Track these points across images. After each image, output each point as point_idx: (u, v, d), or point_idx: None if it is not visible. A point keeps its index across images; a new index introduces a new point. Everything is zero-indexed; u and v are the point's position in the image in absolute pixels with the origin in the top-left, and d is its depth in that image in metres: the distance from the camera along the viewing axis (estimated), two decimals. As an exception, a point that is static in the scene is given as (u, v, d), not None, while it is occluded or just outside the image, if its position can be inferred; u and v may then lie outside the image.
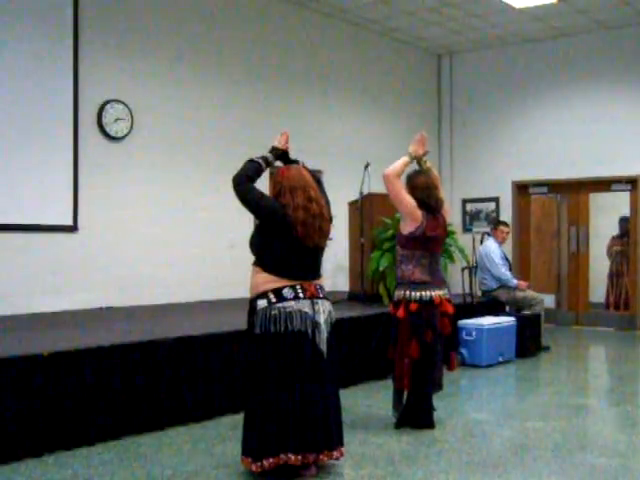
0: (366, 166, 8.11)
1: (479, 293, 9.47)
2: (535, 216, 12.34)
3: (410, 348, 5.17)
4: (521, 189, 12.06)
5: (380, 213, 8.15)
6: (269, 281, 4.19)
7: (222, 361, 5.73)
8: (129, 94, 8.13)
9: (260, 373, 4.18)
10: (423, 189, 5.29)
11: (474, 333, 7.93)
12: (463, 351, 7.99)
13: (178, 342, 5.53)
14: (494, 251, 9.34)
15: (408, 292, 5.23)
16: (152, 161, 8.37)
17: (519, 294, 9.27)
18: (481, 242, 9.63)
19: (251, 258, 4.33)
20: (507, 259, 9.63)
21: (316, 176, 4.59)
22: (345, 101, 10.86)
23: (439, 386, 5.47)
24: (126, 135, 8.09)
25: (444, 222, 5.40)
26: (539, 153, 11.67)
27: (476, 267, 9.21)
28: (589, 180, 11.38)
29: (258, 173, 4.34)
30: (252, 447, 4.15)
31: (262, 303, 4.16)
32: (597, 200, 11.93)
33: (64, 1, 7.56)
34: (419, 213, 5.20)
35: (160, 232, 8.35)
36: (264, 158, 4.43)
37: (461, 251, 8.46)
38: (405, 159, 5.25)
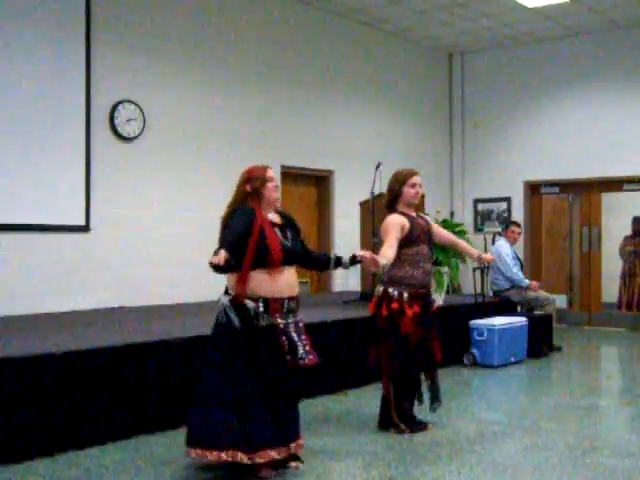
0: (377, 166, 8.11)
1: (490, 293, 9.46)
2: (547, 216, 12.31)
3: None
4: (533, 189, 12.02)
5: (391, 213, 8.13)
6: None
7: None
8: (141, 95, 8.15)
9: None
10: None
11: (486, 333, 7.92)
12: (475, 351, 7.98)
13: (190, 342, 5.54)
14: (506, 251, 9.31)
15: None
16: (164, 161, 8.40)
17: (531, 294, 9.25)
18: (493, 242, 9.61)
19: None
20: (519, 259, 9.61)
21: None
22: (356, 101, 10.85)
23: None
24: (138, 135, 8.12)
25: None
26: (551, 153, 11.63)
27: (487, 267, 9.18)
28: (601, 180, 11.34)
29: None
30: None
31: None
32: (609, 200, 11.88)
33: (77, 2, 7.60)
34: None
35: (172, 232, 8.38)
36: None
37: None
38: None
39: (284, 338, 4.27)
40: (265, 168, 4.48)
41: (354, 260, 4.67)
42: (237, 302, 4.22)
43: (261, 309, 4.22)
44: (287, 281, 4.33)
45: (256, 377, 4.20)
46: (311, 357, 4.37)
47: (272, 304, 4.25)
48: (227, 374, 4.22)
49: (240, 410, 4.16)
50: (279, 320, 4.27)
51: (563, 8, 10.11)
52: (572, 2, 9.86)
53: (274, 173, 4.53)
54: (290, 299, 4.35)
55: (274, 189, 4.42)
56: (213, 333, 4.38)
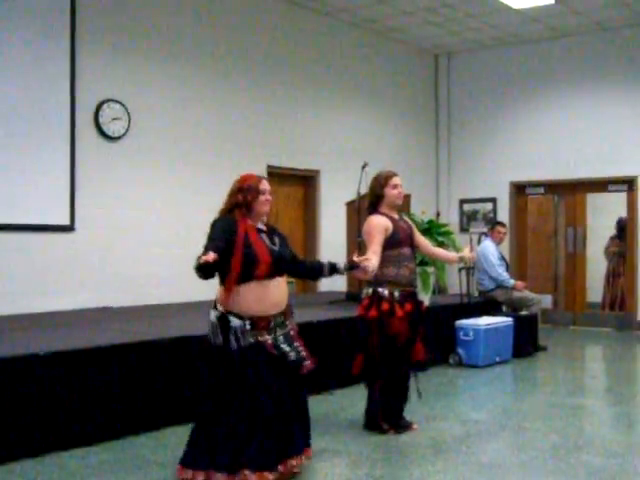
0: (363, 166, 8.08)
1: (476, 293, 9.48)
2: (532, 217, 12.35)
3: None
4: (518, 189, 12.07)
5: (377, 213, 8.13)
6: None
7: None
8: (126, 94, 8.12)
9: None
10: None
11: (471, 333, 7.94)
12: (460, 351, 8.00)
13: (175, 342, 5.53)
14: (491, 251, 9.35)
15: None
16: (149, 161, 8.37)
17: (516, 294, 9.28)
18: (478, 243, 9.64)
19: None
20: (504, 259, 9.64)
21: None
22: (342, 101, 10.85)
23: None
24: (123, 135, 8.08)
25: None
26: (536, 154, 11.68)
27: (473, 268, 9.21)
28: (586, 181, 11.39)
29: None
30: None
31: None
32: (594, 201, 11.94)
33: (61, 1, 7.55)
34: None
35: (157, 232, 8.35)
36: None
37: (458, 251, 8.46)
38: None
39: (275, 353, 4.21)
40: (260, 179, 4.41)
41: (352, 266, 4.64)
42: (225, 320, 4.16)
43: (248, 327, 4.15)
44: (275, 298, 4.26)
45: (242, 395, 4.13)
46: (308, 363, 4.32)
47: (259, 322, 4.18)
48: (219, 393, 4.17)
49: (229, 428, 4.10)
50: (266, 336, 4.21)
51: (549, 10, 10.15)
52: (558, 4, 9.90)
53: (264, 179, 4.47)
54: (278, 315, 4.29)
55: (266, 203, 4.35)
56: (208, 350, 4.30)
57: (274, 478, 4.06)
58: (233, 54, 9.30)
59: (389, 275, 5.17)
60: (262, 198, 4.33)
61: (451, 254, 6.00)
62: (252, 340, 4.15)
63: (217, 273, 4.12)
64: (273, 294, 4.26)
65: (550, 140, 11.56)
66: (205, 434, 4.12)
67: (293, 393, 4.28)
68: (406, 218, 5.59)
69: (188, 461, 4.13)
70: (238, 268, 4.12)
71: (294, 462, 4.21)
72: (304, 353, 4.35)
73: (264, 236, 4.32)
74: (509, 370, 8.01)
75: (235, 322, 4.14)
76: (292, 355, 4.27)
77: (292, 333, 4.37)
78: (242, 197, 4.30)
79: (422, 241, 5.62)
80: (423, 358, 5.41)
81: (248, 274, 4.15)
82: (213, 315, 4.24)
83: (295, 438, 4.23)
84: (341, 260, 4.74)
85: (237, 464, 4.03)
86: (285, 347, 4.26)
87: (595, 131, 11.18)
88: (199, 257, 3.86)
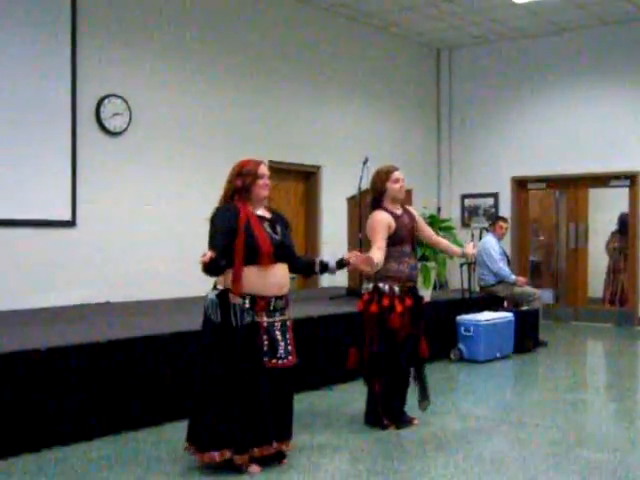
0: (365, 161, 8.09)
1: (477, 289, 9.48)
2: (534, 212, 12.34)
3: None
4: (520, 185, 12.05)
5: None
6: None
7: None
8: (127, 89, 8.11)
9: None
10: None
11: (472, 329, 7.94)
12: (461, 346, 8.00)
13: (176, 337, 5.53)
14: (493, 247, 9.34)
15: None
16: (150, 156, 8.36)
17: (517, 290, 9.28)
18: (480, 238, 9.63)
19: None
20: (506, 255, 9.63)
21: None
22: (344, 96, 10.84)
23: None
24: (124, 130, 8.08)
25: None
26: (538, 149, 11.66)
27: (474, 263, 9.20)
28: (588, 176, 11.37)
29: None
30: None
31: None
32: (596, 196, 11.93)
33: (62, -5, 7.55)
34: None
35: (158, 227, 8.35)
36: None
37: (459, 247, 8.45)
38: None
39: (265, 337, 4.24)
40: (258, 163, 4.42)
41: (342, 264, 4.63)
42: (224, 298, 4.20)
43: (247, 306, 4.19)
44: (276, 279, 4.30)
45: (241, 375, 4.18)
46: (290, 358, 4.33)
47: (259, 301, 4.22)
48: (216, 372, 4.20)
49: (230, 408, 4.16)
50: (264, 318, 4.24)
51: (551, 4, 10.13)
52: (559, -2, 9.89)
53: (263, 163, 4.48)
54: (278, 297, 4.32)
55: (264, 187, 4.37)
56: (202, 330, 4.36)
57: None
58: (234, 50, 9.28)
59: (390, 270, 5.17)
60: (261, 182, 4.35)
61: (455, 247, 5.99)
62: (250, 319, 4.18)
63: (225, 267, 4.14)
64: (274, 275, 4.29)
65: (552, 135, 11.53)
66: (219, 415, 4.17)
67: (275, 385, 4.30)
68: (410, 209, 5.56)
69: (213, 444, 4.18)
70: (241, 256, 4.15)
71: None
72: (291, 348, 4.36)
73: (266, 225, 4.33)
74: (510, 365, 8.02)
75: (234, 299, 4.17)
76: (280, 347, 4.28)
77: (289, 324, 4.41)
78: (241, 181, 4.33)
79: (427, 231, 5.63)
80: (427, 355, 5.41)
81: (250, 259, 4.19)
82: (212, 294, 4.26)
83: (267, 428, 4.25)
84: (341, 255, 4.73)
85: (248, 441, 4.17)
86: (278, 335, 4.28)
87: (597, 126, 11.16)
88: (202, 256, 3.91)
